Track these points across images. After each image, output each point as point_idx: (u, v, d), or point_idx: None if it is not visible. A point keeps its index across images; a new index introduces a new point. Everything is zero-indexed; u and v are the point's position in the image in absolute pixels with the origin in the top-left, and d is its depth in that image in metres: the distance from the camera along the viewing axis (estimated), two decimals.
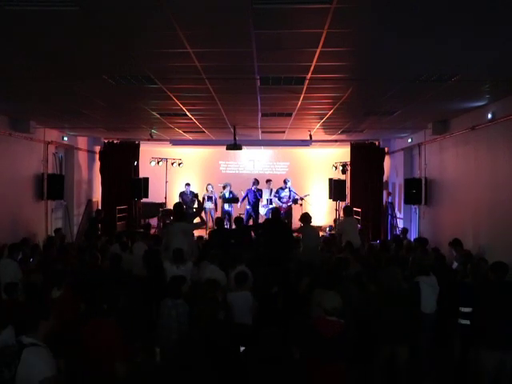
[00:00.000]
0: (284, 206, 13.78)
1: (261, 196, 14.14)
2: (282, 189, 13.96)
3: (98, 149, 14.57)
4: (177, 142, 14.40)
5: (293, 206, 14.08)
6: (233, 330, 4.36)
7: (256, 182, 14.30)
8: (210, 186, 14.50)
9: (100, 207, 14.46)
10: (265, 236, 8.56)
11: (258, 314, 5.48)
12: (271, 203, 13.97)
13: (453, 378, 5.39)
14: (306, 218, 8.72)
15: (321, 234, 11.31)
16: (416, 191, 11.46)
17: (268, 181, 14.48)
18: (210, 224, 14.14)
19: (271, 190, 14.15)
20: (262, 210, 14.10)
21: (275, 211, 9.42)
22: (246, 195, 14.25)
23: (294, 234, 9.35)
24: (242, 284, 5.65)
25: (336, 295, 4.26)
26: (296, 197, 14.04)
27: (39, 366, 3.00)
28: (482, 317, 4.77)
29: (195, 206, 14.33)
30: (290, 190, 13.94)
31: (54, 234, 10.55)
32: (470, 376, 4.99)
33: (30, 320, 3.16)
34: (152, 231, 11.99)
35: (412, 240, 10.71)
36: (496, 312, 4.68)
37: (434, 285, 5.78)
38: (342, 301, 4.21)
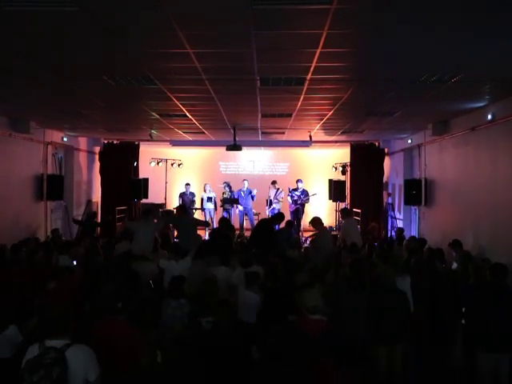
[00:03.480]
0: (293, 205, 13.79)
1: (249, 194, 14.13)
2: (294, 189, 13.95)
3: (97, 149, 14.57)
4: (177, 143, 14.39)
5: (305, 204, 14.06)
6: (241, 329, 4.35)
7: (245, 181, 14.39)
8: (208, 186, 14.47)
9: (100, 208, 14.46)
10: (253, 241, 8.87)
11: (262, 309, 5.50)
12: (271, 204, 13.97)
13: (451, 379, 5.39)
14: (320, 221, 8.77)
15: None
16: (416, 192, 11.47)
17: (273, 182, 14.44)
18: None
19: (277, 190, 14.12)
20: (266, 211, 14.14)
21: (262, 222, 9.71)
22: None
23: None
24: (253, 283, 5.67)
25: (316, 294, 4.27)
26: (306, 197, 13.96)
27: (87, 363, 3.15)
28: (477, 318, 4.77)
29: (195, 206, 14.37)
30: (302, 191, 13.93)
31: (50, 235, 10.56)
32: (468, 377, 4.98)
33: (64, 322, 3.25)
34: None
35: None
36: (492, 314, 4.66)
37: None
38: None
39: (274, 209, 13.86)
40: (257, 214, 14.32)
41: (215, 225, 13.54)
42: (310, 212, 14.33)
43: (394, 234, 13.06)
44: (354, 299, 4.91)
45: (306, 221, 12.67)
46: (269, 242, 8.18)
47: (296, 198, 13.80)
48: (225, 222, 9.48)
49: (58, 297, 5.35)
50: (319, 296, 4.20)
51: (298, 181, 14.07)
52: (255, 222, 13.95)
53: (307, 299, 4.14)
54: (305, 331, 3.94)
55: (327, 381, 3.97)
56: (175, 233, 9.95)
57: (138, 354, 3.89)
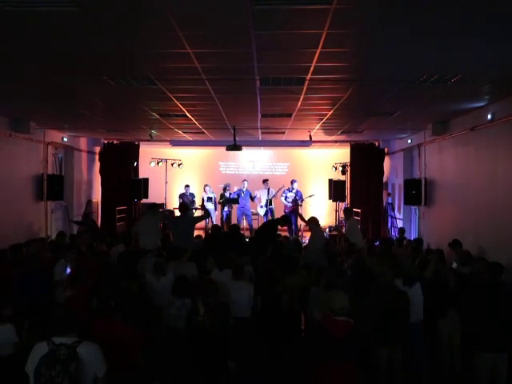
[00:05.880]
0: (289, 205, 13.77)
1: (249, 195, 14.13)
2: (288, 190, 13.92)
3: (97, 149, 14.57)
4: (177, 143, 14.39)
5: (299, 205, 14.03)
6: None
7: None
8: (208, 187, 14.45)
9: (100, 208, 14.47)
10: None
11: (262, 312, 5.51)
12: (271, 204, 13.93)
13: (450, 379, 5.39)
14: (316, 221, 8.85)
15: None
16: (416, 192, 11.48)
17: (265, 181, 14.41)
18: (210, 225, 14.12)
19: (268, 190, 14.08)
20: (261, 211, 14.08)
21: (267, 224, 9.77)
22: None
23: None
24: (239, 276, 5.76)
25: (343, 295, 4.25)
26: (301, 199, 13.92)
27: (97, 360, 3.24)
28: (475, 318, 4.77)
29: (195, 206, 14.35)
30: (297, 191, 13.90)
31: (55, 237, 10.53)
32: (467, 377, 4.99)
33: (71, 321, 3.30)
34: None
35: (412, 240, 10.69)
36: (489, 313, 4.66)
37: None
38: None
39: (267, 209, 13.83)
40: (256, 214, 14.31)
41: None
42: (311, 212, 14.33)
43: (394, 233, 13.07)
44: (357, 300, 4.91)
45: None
46: (268, 244, 8.20)
47: (292, 198, 13.75)
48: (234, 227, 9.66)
49: (76, 300, 5.35)
50: (346, 298, 4.19)
51: (292, 181, 14.05)
52: (253, 222, 13.98)
53: (334, 301, 4.13)
54: (329, 332, 3.95)
55: (349, 382, 3.97)
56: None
57: (134, 354, 3.89)
